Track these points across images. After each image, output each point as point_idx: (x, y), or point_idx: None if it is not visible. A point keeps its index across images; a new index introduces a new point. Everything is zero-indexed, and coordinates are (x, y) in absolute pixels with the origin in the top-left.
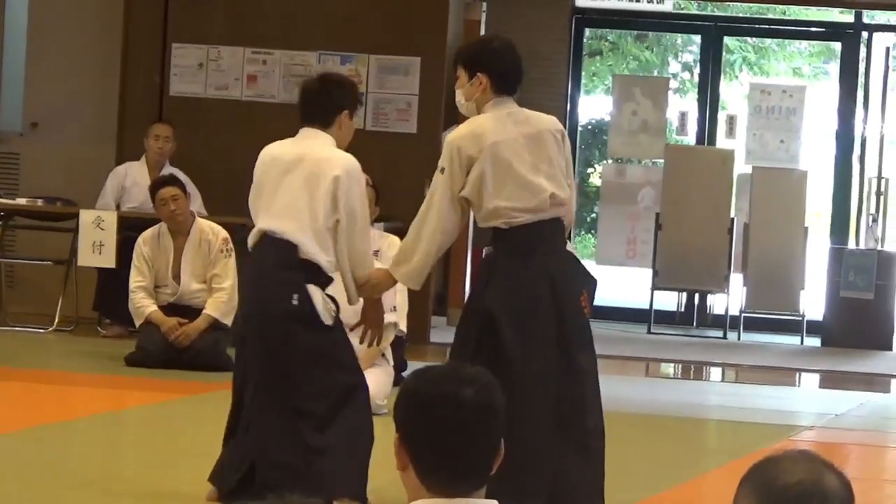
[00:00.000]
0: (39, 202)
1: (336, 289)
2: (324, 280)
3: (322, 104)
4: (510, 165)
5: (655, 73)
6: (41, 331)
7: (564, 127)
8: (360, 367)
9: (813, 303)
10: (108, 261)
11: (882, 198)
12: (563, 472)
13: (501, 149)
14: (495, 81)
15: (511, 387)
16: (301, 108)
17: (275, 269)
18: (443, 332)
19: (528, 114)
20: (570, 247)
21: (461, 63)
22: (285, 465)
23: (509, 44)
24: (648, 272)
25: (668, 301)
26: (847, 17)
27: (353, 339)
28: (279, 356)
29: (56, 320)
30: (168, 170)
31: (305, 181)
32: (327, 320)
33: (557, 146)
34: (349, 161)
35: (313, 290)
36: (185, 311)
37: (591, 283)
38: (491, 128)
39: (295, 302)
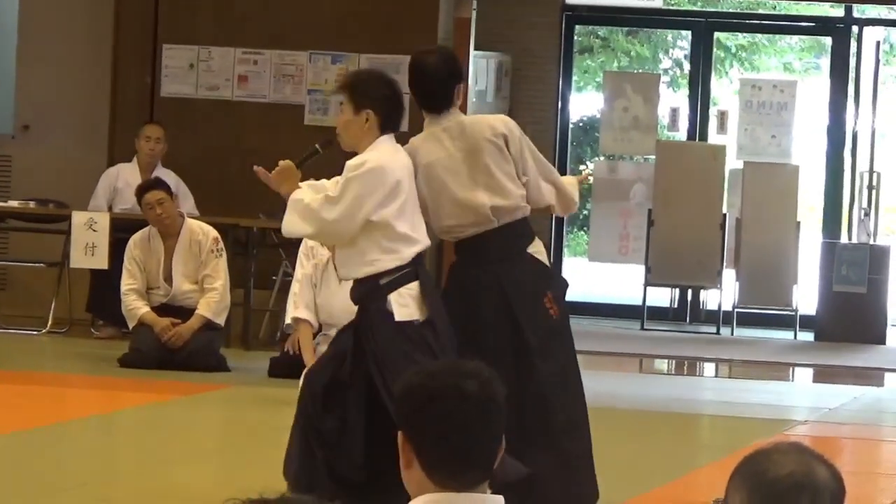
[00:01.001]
0: (31, 204)
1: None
2: None
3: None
4: (445, 185)
5: (646, 70)
6: (34, 333)
7: (556, 124)
8: None
9: (806, 297)
10: (101, 262)
11: (874, 192)
12: (538, 475)
13: (435, 169)
14: (419, 98)
15: None
16: (397, 114)
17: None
18: None
19: (465, 124)
20: (536, 247)
21: None
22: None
23: (429, 63)
24: (641, 268)
25: (661, 297)
26: (837, 11)
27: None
28: None
29: (49, 322)
30: (159, 171)
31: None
32: None
33: (498, 151)
34: None
35: None
36: (177, 311)
37: (557, 284)
38: (424, 149)
39: None
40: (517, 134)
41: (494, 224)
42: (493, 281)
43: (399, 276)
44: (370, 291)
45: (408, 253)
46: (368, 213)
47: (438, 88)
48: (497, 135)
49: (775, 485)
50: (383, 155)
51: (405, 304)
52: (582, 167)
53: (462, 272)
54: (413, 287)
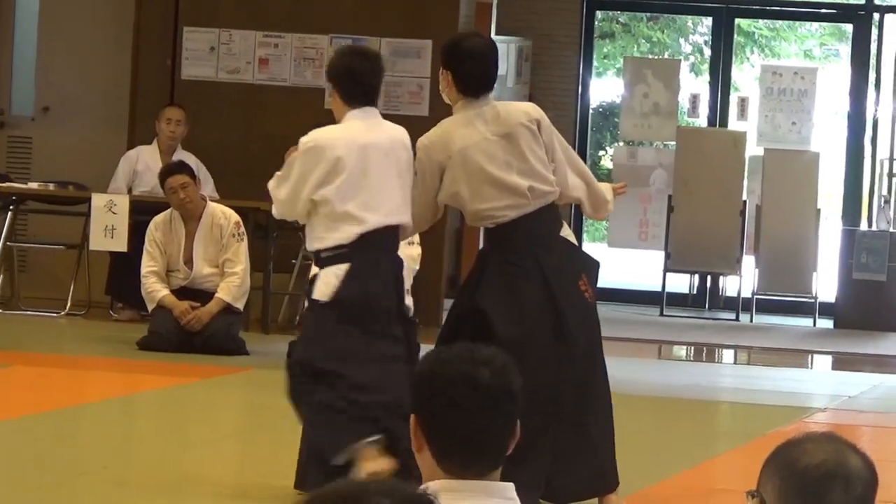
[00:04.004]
0: (51, 186)
1: None
2: None
3: (377, 86)
4: (481, 168)
5: (667, 56)
6: (53, 315)
7: (576, 110)
8: None
9: (825, 285)
10: (120, 245)
11: (894, 179)
12: (563, 458)
13: (471, 153)
14: (458, 81)
15: None
16: (353, 85)
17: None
18: None
19: (499, 110)
20: (565, 231)
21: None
22: None
23: (478, 46)
24: (661, 254)
25: (681, 283)
26: None
27: None
28: None
29: (68, 304)
30: (180, 154)
31: (407, 169)
32: None
33: (533, 136)
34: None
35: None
36: (197, 294)
37: (590, 266)
38: (459, 133)
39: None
40: (547, 121)
41: (530, 206)
42: (534, 266)
43: (334, 255)
44: (316, 263)
45: (351, 232)
46: (311, 191)
47: (486, 71)
48: (532, 120)
49: (807, 473)
50: (330, 132)
51: (326, 283)
52: (601, 153)
53: (499, 258)
54: (342, 268)
